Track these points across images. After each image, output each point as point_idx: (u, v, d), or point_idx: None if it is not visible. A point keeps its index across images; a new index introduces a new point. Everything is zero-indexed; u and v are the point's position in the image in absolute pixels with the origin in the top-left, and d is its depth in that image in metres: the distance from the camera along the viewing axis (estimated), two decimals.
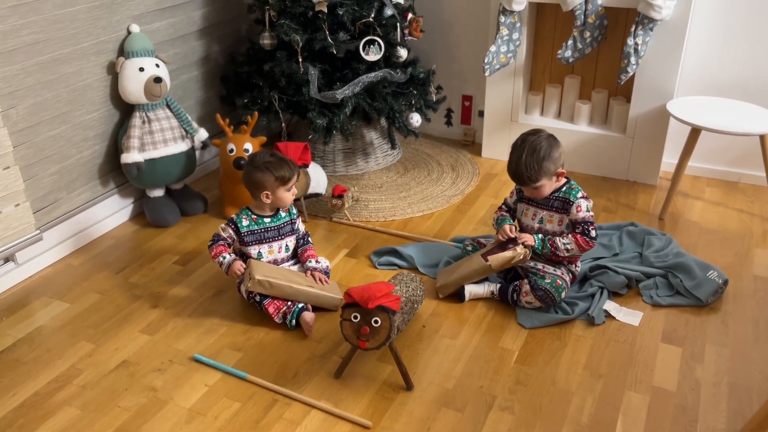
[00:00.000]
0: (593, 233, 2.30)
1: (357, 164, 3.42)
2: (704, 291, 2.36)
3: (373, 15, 3.01)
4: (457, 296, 2.42)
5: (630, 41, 2.90)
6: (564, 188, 2.33)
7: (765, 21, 2.94)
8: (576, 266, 2.41)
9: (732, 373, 2.08)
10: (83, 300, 2.47)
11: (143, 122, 2.80)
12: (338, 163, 3.40)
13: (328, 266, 2.44)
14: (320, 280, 2.35)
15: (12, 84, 2.41)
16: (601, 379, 2.06)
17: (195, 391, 2.03)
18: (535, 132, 2.27)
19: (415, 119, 3.26)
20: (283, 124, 3.18)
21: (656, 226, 2.86)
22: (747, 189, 3.19)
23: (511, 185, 2.45)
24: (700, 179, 3.29)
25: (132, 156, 2.75)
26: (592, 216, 2.31)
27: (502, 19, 3.07)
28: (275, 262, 2.40)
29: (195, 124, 2.98)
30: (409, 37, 3.18)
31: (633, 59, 2.92)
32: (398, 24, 3.09)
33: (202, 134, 2.99)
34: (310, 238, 2.49)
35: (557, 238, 2.31)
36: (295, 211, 2.47)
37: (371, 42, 3.04)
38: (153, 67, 2.77)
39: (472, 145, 3.71)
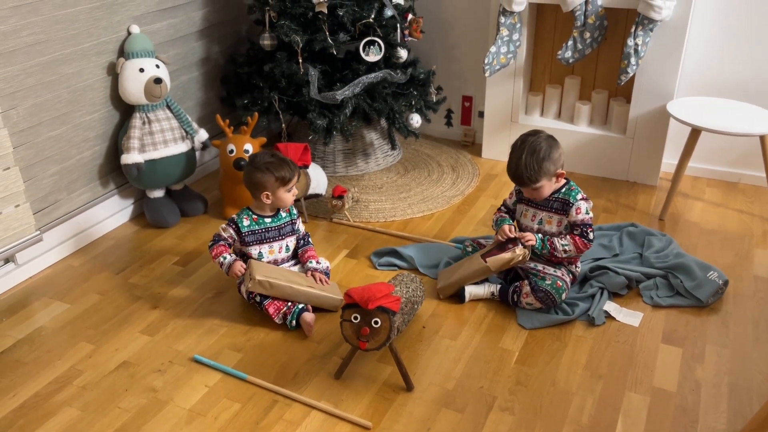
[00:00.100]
0: (591, 236, 2.30)
1: (357, 165, 3.42)
2: (704, 291, 2.36)
3: (373, 16, 3.01)
4: (458, 297, 2.42)
5: (630, 42, 2.90)
6: (563, 189, 2.33)
7: (765, 22, 2.94)
8: (576, 267, 2.41)
9: (732, 374, 2.08)
10: (83, 301, 2.47)
11: (143, 123, 2.80)
12: (338, 164, 3.40)
13: (328, 267, 2.44)
14: (321, 280, 2.35)
15: (12, 85, 2.41)
16: (602, 380, 2.06)
17: (195, 392, 2.03)
18: (535, 133, 2.27)
19: (415, 120, 3.26)
20: (283, 125, 3.18)
21: (656, 227, 2.87)
22: (747, 189, 3.19)
23: (511, 186, 2.45)
24: (701, 180, 3.29)
25: (132, 157, 2.75)
26: (591, 218, 2.31)
27: (502, 19, 3.07)
28: (275, 263, 2.40)
29: (195, 125, 2.98)
30: (409, 38, 3.18)
31: (633, 60, 2.92)
32: (398, 25, 3.09)
33: (202, 135, 3.00)
34: (310, 239, 2.49)
35: (555, 238, 2.31)
36: (295, 211, 2.47)
37: (371, 43, 3.04)
38: (153, 67, 2.77)
39: (472, 145, 3.71)
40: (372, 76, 3.07)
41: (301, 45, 2.94)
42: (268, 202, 2.34)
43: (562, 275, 2.33)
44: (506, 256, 2.30)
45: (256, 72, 3.18)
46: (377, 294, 1.89)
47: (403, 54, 3.14)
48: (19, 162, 2.49)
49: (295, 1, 2.96)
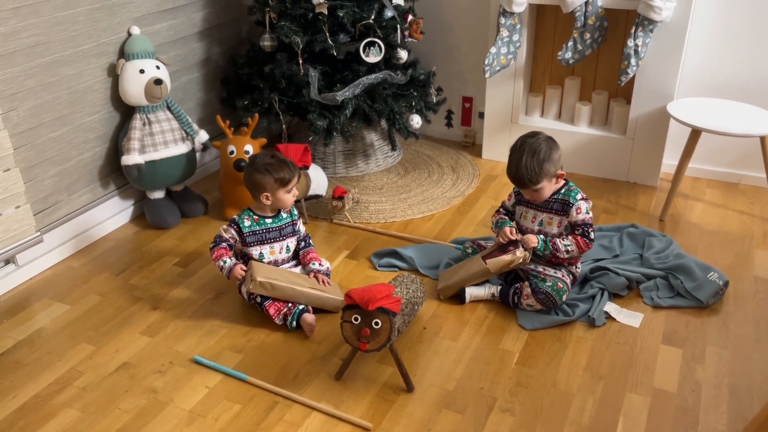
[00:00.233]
0: (592, 235, 2.30)
1: (357, 166, 3.42)
2: (705, 292, 2.36)
3: (373, 17, 3.01)
4: (458, 298, 2.42)
5: (630, 43, 2.90)
6: (563, 190, 2.33)
7: (765, 22, 2.94)
8: (576, 267, 2.41)
9: (733, 375, 2.08)
10: (84, 302, 2.47)
11: (144, 124, 2.80)
12: (338, 165, 3.40)
13: (328, 268, 2.44)
14: (323, 282, 2.35)
15: (13, 86, 2.41)
16: (602, 381, 2.06)
17: (195, 393, 2.03)
18: (534, 134, 2.27)
19: (416, 121, 3.26)
20: (284, 126, 3.18)
21: (657, 228, 2.86)
22: (747, 190, 3.19)
23: (512, 187, 2.45)
24: (701, 180, 3.29)
25: (132, 158, 2.75)
26: (591, 218, 2.31)
27: (502, 20, 3.07)
28: (276, 263, 2.40)
29: (195, 126, 2.98)
30: (410, 39, 3.19)
31: (633, 61, 2.92)
32: (398, 26, 3.09)
33: (203, 136, 3.00)
34: (311, 240, 2.49)
35: (558, 239, 2.31)
36: (296, 212, 2.47)
37: (371, 44, 3.04)
38: (153, 68, 2.77)
39: (472, 146, 3.71)
40: (372, 77, 3.07)
41: (301, 46, 2.95)
42: (268, 203, 2.34)
43: (563, 276, 2.33)
44: (506, 258, 2.30)
45: (257, 73, 3.18)
46: (378, 295, 1.89)
47: (403, 55, 3.14)
48: (20, 163, 2.49)
49: (295, 2, 2.96)
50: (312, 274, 2.37)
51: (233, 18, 3.41)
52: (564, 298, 2.30)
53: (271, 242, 2.38)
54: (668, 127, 3.10)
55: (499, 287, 2.41)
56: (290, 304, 2.29)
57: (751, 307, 2.38)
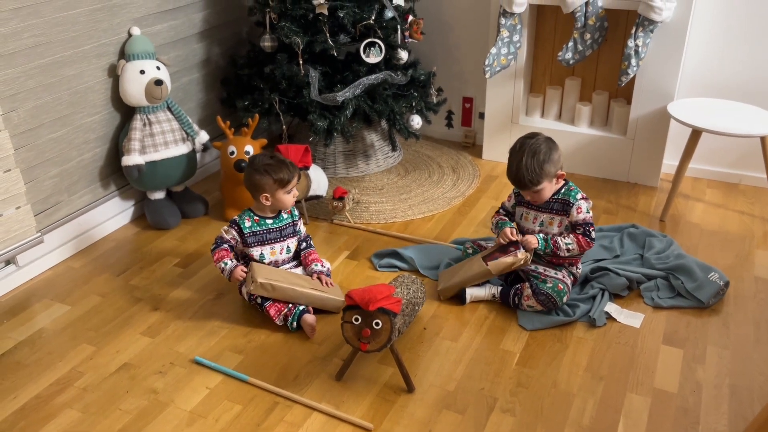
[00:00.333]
0: (593, 234, 2.30)
1: (358, 166, 3.42)
2: (705, 293, 2.36)
3: (373, 17, 3.01)
4: (458, 298, 2.42)
5: (630, 43, 2.90)
6: (563, 190, 2.33)
7: (765, 22, 2.94)
8: (577, 268, 2.41)
9: (733, 375, 2.08)
10: (84, 302, 2.47)
11: (144, 125, 2.80)
12: (339, 165, 3.40)
13: (329, 269, 2.44)
14: (327, 283, 2.35)
15: (13, 87, 2.41)
16: (603, 381, 2.06)
17: (196, 394, 2.03)
18: (533, 135, 2.27)
19: (416, 121, 3.26)
20: (284, 127, 3.18)
21: (657, 228, 2.86)
22: (748, 190, 3.19)
23: (512, 187, 2.45)
24: (701, 181, 3.29)
25: (133, 158, 2.75)
26: (591, 217, 2.31)
27: (503, 21, 3.07)
28: (276, 264, 2.40)
29: (196, 127, 2.98)
30: (410, 40, 3.19)
31: (633, 61, 2.92)
32: (399, 26, 3.09)
33: (203, 136, 3.00)
34: (311, 241, 2.49)
35: (558, 237, 2.31)
36: (296, 212, 2.47)
37: (372, 44, 3.04)
38: (154, 69, 2.77)
39: (472, 147, 3.71)
40: (372, 78, 3.07)
41: (301, 46, 2.95)
42: (268, 203, 2.34)
43: (563, 277, 2.33)
44: (508, 260, 2.30)
45: (257, 74, 3.18)
46: (378, 295, 1.89)
47: (403, 55, 3.14)
48: (20, 164, 2.49)
49: (295, 3, 2.96)
50: (315, 276, 2.37)
51: (233, 19, 3.41)
52: (565, 299, 2.30)
53: (271, 243, 2.38)
54: (668, 127, 3.10)
55: (500, 288, 2.41)
56: (290, 305, 2.29)
57: (751, 307, 2.38)
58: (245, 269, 2.32)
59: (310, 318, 2.25)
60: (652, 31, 2.88)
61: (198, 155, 3.03)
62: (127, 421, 1.93)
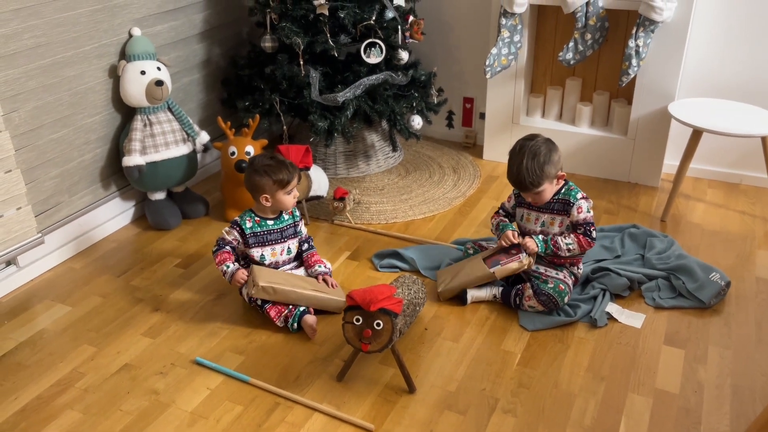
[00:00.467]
0: (594, 234, 2.30)
1: (358, 167, 3.42)
2: (707, 293, 2.36)
3: (374, 18, 3.01)
4: (460, 299, 2.42)
5: (631, 43, 2.90)
6: (563, 190, 2.33)
7: (765, 22, 2.94)
8: (578, 268, 2.41)
9: (735, 375, 2.07)
10: (85, 303, 2.47)
11: (145, 125, 2.80)
12: (339, 166, 3.40)
13: (330, 269, 2.44)
14: (332, 284, 2.35)
15: (14, 87, 2.41)
16: (604, 382, 2.06)
17: (197, 395, 2.03)
18: (532, 137, 2.27)
19: (417, 121, 3.26)
20: (285, 127, 3.18)
21: (658, 228, 2.86)
22: (749, 190, 3.18)
23: (513, 187, 2.45)
24: (702, 181, 3.29)
25: (133, 159, 2.75)
26: (592, 217, 2.31)
27: (503, 21, 3.07)
28: (277, 265, 2.40)
29: (196, 127, 2.98)
30: (410, 40, 3.19)
31: (634, 61, 2.92)
32: (399, 26, 3.09)
33: (204, 137, 3.00)
34: (312, 243, 2.49)
35: (559, 237, 2.31)
36: (298, 213, 2.46)
37: (372, 44, 3.04)
38: (154, 70, 2.77)
39: (473, 147, 3.71)
40: (373, 78, 3.07)
41: (302, 47, 2.95)
42: (268, 204, 2.34)
43: (564, 278, 2.33)
44: (512, 266, 2.30)
45: (258, 74, 3.18)
46: (379, 296, 1.89)
47: (404, 56, 3.14)
48: (21, 165, 2.49)
49: (296, 3, 2.96)
50: (320, 277, 2.37)
51: (234, 19, 3.41)
52: (566, 299, 2.30)
53: (272, 244, 2.38)
54: (669, 127, 3.10)
55: (501, 288, 2.41)
56: (291, 306, 2.28)
57: (752, 307, 2.38)
58: (246, 273, 2.31)
59: (310, 319, 2.25)
60: (652, 32, 2.88)
61: (198, 156, 3.03)
62: (128, 422, 1.93)
